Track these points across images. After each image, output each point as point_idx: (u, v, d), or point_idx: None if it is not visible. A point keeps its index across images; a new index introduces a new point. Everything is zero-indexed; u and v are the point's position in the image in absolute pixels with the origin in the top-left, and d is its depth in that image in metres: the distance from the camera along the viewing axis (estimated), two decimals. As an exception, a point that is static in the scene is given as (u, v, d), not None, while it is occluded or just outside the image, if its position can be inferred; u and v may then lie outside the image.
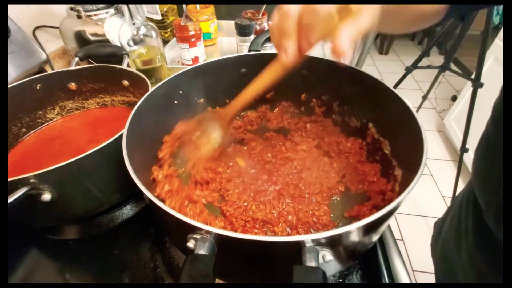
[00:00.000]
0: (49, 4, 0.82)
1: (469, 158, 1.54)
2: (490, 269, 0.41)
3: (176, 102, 0.51)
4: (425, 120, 2.17)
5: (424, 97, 1.65)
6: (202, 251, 0.24)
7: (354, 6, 0.26)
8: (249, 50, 0.60)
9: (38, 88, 0.56)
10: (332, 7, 0.26)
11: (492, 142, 0.39)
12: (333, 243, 0.25)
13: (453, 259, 0.52)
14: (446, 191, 1.67)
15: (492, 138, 0.39)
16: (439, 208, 1.60)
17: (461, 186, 1.49)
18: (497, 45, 1.53)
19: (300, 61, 0.32)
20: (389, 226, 0.46)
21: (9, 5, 0.67)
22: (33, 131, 0.59)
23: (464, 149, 1.29)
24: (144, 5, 0.92)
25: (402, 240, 1.46)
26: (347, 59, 0.27)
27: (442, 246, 0.58)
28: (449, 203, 1.59)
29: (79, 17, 0.73)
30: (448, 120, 1.94)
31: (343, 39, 0.26)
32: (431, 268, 0.63)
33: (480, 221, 0.41)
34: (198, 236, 0.25)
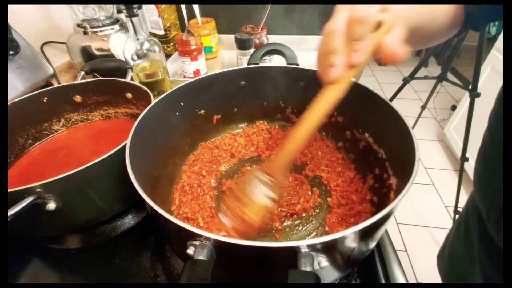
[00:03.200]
0: (56, 21, 0.86)
1: (470, 167, 1.54)
2: (498, 279, 0.41)
3: (177, 113, 0.53)
4: (426, 129, 2.18)
5: (423, 107, 1.67)
6: (201, 256, 0.25)
7: (388, 21, 0.28)
8: (248, 63, 0.62)
9: (44, 101, 0.58)
10: (376, 15, 0.28)
11: (489, 152, 0.40)
12: (328, 249, 0.26)
13: (464, 271, 0.51)
14: (449, 201, 1.66)
15: (489, 148, 0.40)
16: (442, 218, 1.58)
17: (463, 196, 1.48)
18: (494, 56, 1.56)
19: (353, 76, 0.30)
20: (388, 235, 0.46)
21: (18, 23, 0.70)
22: (38, 143, 0.61)
23: (464, 158, 1.29)
24: (148, 21, 0.95)
25: (406, 251, 1.44)
26: (403, 59, 0.28)
27: (450, 257, 0.57)
28: (452, 213, 1.58)
29: (85, 33, 0.76)
30: (448, 129, 1.95)
31: (393, 43, 0.27)
32: (438, 279, 0.62)
33: (485, 231, 0.42)
34: (197, 243, 0.26)
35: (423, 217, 1.59)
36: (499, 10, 0.35)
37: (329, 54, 0.29)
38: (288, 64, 0.59)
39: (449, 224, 1.53)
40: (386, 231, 0.46)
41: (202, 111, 0.57)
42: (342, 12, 0.29)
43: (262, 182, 0.37)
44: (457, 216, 1.41)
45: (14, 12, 0.73)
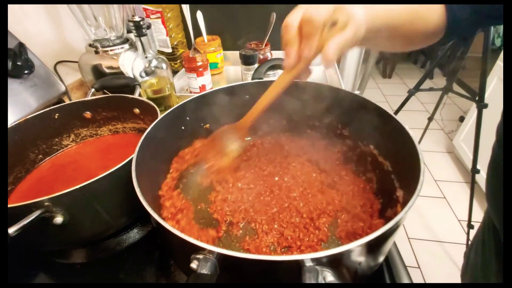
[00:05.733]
0: (70, 41, 0.90)
1: (481, 179, 1.50)
2: None
3: (183, 127, 0.54)
4: (434, 141, 2.15)
5: (430, 119, 1.65)
6: (205, 270, 0.24)
7: (341, 20, 0.30)
8: (253, 78, 0.63)
9: (56, 117, 0.60)
10: (325, 16, 0.30)
11: (499, 164, 0.39)
12: (334, 263, 0.25)
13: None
14: (462, 215, 1.61)
15: (499, 160, 0.39)
16: (456, 232, 1.53)
17: (476, 209, 1.44)
18: (500, 67, 1.55)
19: (302, 67, 0.35)
20: (397, 249, 0.45)
21: (34, 43, 0.73)
22: (48, 158, 0.62)
23: (475, 170, 1.26)
24: (156, 40, 0.99)
25: (419, 267, 1.39)
26: (330, 66, 0.33)
27: (471, 274, 0.55)
28: (465, 227, 1.52)
29: (96, 52, 0.79)
30: (457, 141, 1.92)
31: (330, 48, 0.30)
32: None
33: (501, 245, 0.40)
34: (201, 256, 0.25)
35: (436, 232, 1.54)
36: (483, 13, 0.34)
37: (285, 45, 0.34)
38: (291, 78, 0.60)
39: (462, 239, 1.47)
40: (395, 246, 0.45)
41: (207, 125, 0.58)
42: (299, 9, 0.32)
43: (231, 136, 0.49)
44: (471, 230, 1.35)
45: (31, 33, 0.77)
